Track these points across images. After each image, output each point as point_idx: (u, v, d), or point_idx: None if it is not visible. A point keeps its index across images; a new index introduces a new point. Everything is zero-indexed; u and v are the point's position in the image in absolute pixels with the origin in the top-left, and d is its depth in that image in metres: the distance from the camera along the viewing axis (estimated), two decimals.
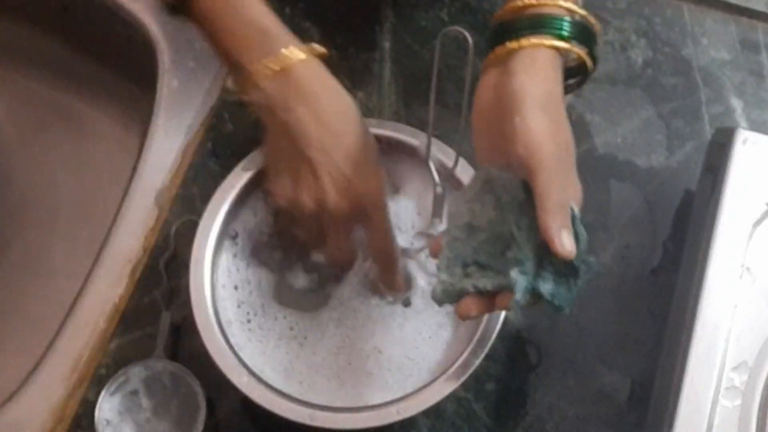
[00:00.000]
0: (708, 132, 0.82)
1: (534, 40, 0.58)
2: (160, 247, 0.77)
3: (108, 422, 0.70)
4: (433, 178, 0.71)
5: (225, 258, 0.72)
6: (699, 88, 0.84)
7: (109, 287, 0.76)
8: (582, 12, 0.60)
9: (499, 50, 0.59)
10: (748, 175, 0.68)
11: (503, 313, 0.67)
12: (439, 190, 0.71)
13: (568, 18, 0.59)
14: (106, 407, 0.70)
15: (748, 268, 0.66)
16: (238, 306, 0.71)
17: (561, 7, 0.59)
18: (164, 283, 0.76)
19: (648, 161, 0.82)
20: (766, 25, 0.86)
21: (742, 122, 0.83)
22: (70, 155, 0.99)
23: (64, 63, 0.98)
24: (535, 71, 0.57)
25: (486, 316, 0.67)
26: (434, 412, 0.73)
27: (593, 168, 0.81)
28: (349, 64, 0.83)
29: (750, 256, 0.67)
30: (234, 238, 0.72)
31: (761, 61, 0.85)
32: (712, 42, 0.86)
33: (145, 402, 0.71)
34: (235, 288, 0.71)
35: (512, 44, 0.58)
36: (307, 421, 0.65)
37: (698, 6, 0.87)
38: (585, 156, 0.82)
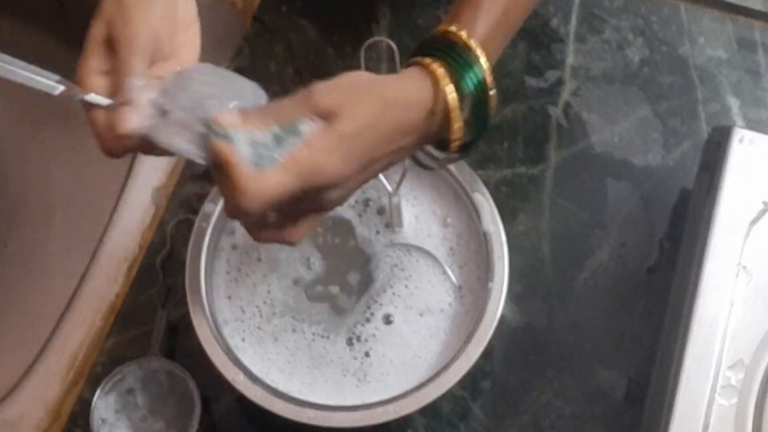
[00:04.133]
0: (704, 130, 0.82)
1: (430, 61, 0.56)
2: (157, 246, 0.77)
3: (104, 421, 0.70)
4: (385, 187, 0.72)
5: (222, 256, 0.72)
6: (696, 87, 0.84)
7: (105, 285, 0.76)
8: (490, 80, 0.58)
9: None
10: (744, 173, 0.68)
11: (500, 312, 0.67)
12: (395, 200, 0.72)
13: (475, 77, 0.57)
14: (102, 405, 0.70)
15: (744, 267, 0.66)
16: (235, 305, 0.71)
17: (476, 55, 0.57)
18: (161, 282, 0.76)
19: (645, 160, 0.82)
20: (762, 23, 0.86)
21: (739, 121, 0.83)
22: (66, 153, 0.99)
23: (60, 60, 0.98)
24: (398, 78, 0.56)
25: (485, 316, 0.67)
26: (431, 410, 0.73)
27: (590, 166, 0.81)
28: (345, 62, 0.83)
29: (746, 254, 0.67)
30: (231, 235, 0.72)
31: (758, 60, 0.85)
32: (709, 41, 0.86)
33: (140, 400, 0.71)
34: (232, 287, 0.71)
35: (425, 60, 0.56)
36: (303, 420, 0.65)
37: (695, 5, 0.87)
38: (581, 154, 0.82)
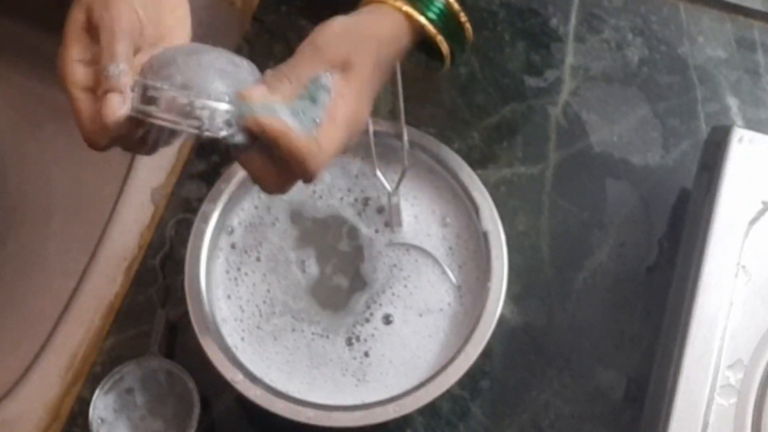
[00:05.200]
0: (704, 130, 0.82)
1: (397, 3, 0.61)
2: (156, 245, 0.77)
3: (103, 420, 0.70)
4: (384, 187, 0.72)
5: (221, 256, 0.72)
6: (695, 87, 0.84)
7: (104, 285, 0.76)
8: (457, 8, 0.63)
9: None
10: (743, 173, 0.68)
11: (499, 311, 0.67)
12: (395, 200, 0.72)
13: (441, 4, 0.62)
14: (101, 405, 0.70)
15: (743, 267, 0.66)
16: (234, 304, 0.71)
17: None
18: (160, 281, 0.76)
19: (644, 159, 0.82)
20: (762, 23, 0.86)
21: (738, 120, 0.83)
22: (65, 152, 0.99)
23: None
24: (376, 18, 0.60)
25: (484, 316, 0.67)
26: (430, 410, 0.73)
27: (589, 166, 0.81)
28: None
29: (745, 254, 0.67)
30: (230, 235, 0.72)
31: (757, 60, 0.85)
32: (708, 40, 0.86)
33: (140, 400, 0.71)
34: (231, 286, 0.71)
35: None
36: (302, 420, 0.65)
37: (694, 4, 0.87)
38: (581, 154, 0.82)
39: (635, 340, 0.76)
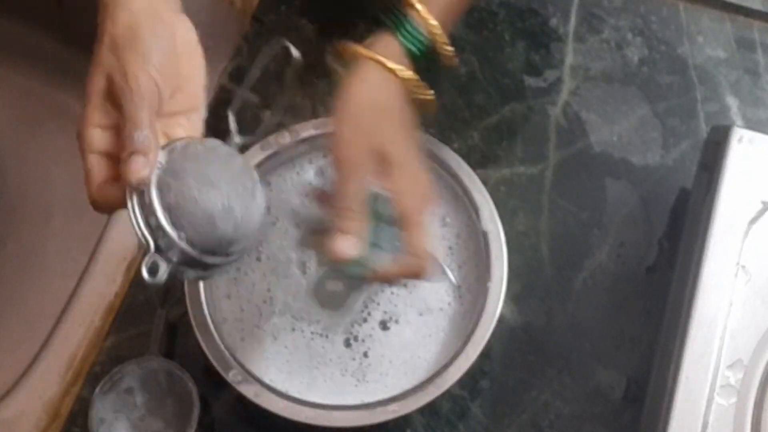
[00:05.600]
0: (703, 130, 0.82)
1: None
2: None
3: (102, 420, 0.70)
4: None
5: None
6: (695, 87, 0.84)
7: (104, 285, 0.76)
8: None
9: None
10: (743, 173, 0.68)
11: (499, 311, 0.67)
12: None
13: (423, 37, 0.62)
14: (101, 405, 0.70)
15: (743, 266, 0.66)
16: (234, 304, 0.71)
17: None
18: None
19: (643, 159, 0.82)
20: (761, 23, 0.86)
21: (738, 120, 0.83)
22: (64, 152, 0.99)
23: (58, 59, 0.98)
24: (373, 87, 0.61)
25: (484, 316, 0.67)
26: (430, 410, 0.73)
27: (589, 166, 0.81)
28: None
29: (745, 254, 0.67)
30: None
31: (757, 60, 0.85)
32: (708, 40, 0.86)
33: (139, 400, 0.71)
34: (231, 286, 0.71)
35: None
36: (302, 420, 0.65)
37: (694, 4, 0.87)
38: (580, 154, 0.82)
39: (635, 340, 0.76)
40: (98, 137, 0.54)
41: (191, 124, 0.58)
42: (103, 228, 0.78)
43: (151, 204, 0.52)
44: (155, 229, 0.53)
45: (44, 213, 0.96)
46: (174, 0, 0.59)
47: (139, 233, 0.53)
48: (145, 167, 0.52)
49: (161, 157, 0.54)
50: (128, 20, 0.55)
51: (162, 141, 0.55)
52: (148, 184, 0.53)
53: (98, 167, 0.54)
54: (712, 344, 0.64)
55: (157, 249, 0.53)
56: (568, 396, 0.74)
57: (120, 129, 0.54)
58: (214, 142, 0.57)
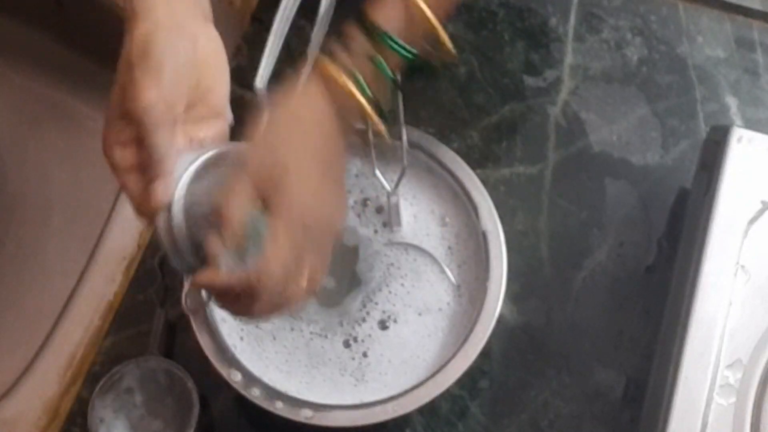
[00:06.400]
0: (703, 130, 0.82)
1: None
2: (155, 245, 0.77)
3: (102, 420, 0.70)
4: (384, 186, 0.72)
5: None
6: (694, 86, 0.84)
7: (103, 284, 0.76)
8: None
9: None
10: (742, 173, 0.68)
11: (498, 311, 0.67)
12: (394, 199, 0.72)
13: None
14: (100, 405, 0.70)
15: (742, 266, 0.66)
16: None
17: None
18: (159, 281, 0.76)
19: (643, 159, 0.82)
20: (761, 23, 0.86)
21: (737, 120, 0.83)
22: (64, 152, 0.99)
23: (58, 60, 0.98)
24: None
25: (483, 315, 0.67)
26: (429, 409, 0.73)
27: (588, 166, 0.81)
28: None
29: (745, 254, 0.67)
30: None
31: (756, 59, 0.85)
32: (707, 40, 0.86)
33: (139, 400, 0.71)
34: None
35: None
36: (301, 419, 0.65)
37: (693, 4, 0.87)
38: (580, 154, 0.82)
39: (634, 340, 0.76)
40: (122, 155, 0.55)
41: (215, 129, 0.58)
42: (102, 228, 0.78)
43: (176, 224, 0.54)
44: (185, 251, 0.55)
45: (44, 213, 0.96)
46: (201, 8, 0.58)
47: (171, 256, 0.56)
48: (165, 192, 0.54)
49: (188, 167, 0.55)
50: (145, 34, 0.54)
51: (184, 144, 0.56)
52: (170, 206, 0.54)
53: (133, 182, 0.55)
54: (711, 344, 0.64)
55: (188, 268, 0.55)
56: (567, 396, 0.74)
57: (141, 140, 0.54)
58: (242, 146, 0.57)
